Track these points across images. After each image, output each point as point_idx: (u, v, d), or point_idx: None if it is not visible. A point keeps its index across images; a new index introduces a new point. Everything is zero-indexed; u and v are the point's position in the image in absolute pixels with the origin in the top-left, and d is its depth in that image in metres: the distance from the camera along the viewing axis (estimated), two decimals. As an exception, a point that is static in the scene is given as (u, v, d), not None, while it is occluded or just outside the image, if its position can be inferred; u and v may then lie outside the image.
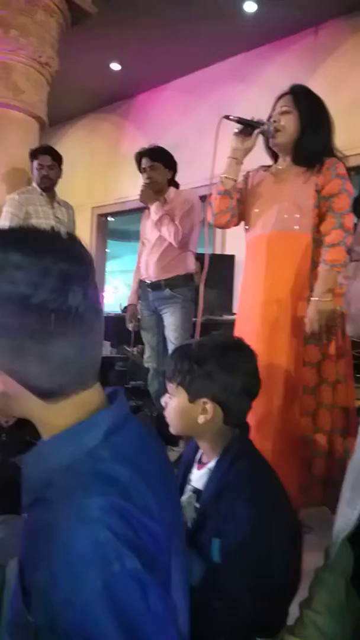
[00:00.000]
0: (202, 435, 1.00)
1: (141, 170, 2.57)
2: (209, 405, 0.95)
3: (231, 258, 3.94)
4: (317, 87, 3.52)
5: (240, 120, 1.66)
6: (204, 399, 0.95)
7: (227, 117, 1.66)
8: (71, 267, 0.52)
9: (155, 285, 2.56)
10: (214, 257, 3.98)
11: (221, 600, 0.82)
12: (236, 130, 1.68)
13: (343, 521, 0.74)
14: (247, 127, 1.66)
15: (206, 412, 0.95)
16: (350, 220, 1.54)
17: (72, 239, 0.55)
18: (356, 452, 0.81)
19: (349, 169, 3.19)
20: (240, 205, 1.76)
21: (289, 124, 1.65)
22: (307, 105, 1.66)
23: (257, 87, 3.75)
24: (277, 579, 0.85)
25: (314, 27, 3.72)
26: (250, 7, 3.60)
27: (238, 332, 1.71)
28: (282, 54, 3.86)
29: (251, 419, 1.59)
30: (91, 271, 0.55)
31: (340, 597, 0.75)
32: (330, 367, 1.60)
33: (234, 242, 3.52)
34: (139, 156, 2.57)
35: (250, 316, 1.68)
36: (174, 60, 4.27)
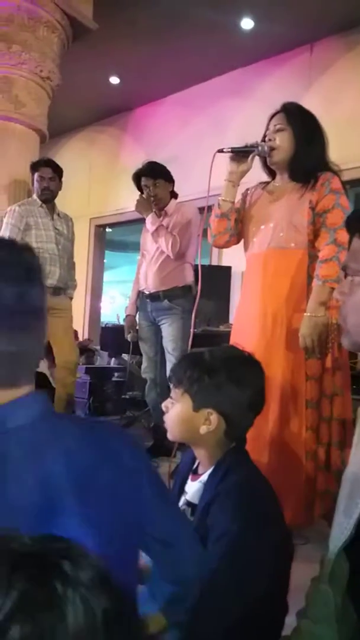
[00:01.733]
0: (200, 445, 1.00)
1: (141, 188, 2.60)
2: (213, 416, 0.95)
3: (228, 269, 3.98)
4: (313, 102, 3.59)
5: (234, 151, 1.70)
6: (209, 410, 0.95)
7: (220, 150, 1.69)
8: (5, 270, 0.56)
9: (154, 297, 2.58)
10: (211, 269, 4.03)
11: (205, 610, 0.82)
12: (232, 154, 1.71)
13: (339, 531, 0.75)
14: (247, 153, 1.70)
15: (209, 422, 0.95)
16: (344, 235, 1.56)
17: (11, 243, 0.60)
18: (351, 463, 0.82)
19: (344, 183, 3.23)
20: (239, 224, 1.79)
21: (284, 142, 1.68)
22: (299, 121, 1.69)
23: (254, 101, 3.81)
24: (263, 591, 0.84)
25: (309, 44, 3.79)
26: (247, 24, 3.68)
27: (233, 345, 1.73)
28: (278, 70, 3.93)
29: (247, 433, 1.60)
30: (32, 273, 0.59)
31: (337, 607, 0.76)
32: (328, 380, 1.62)
33: (231, 253, 3.56)
34: (137, 176, 2.61)
35: (247, 330, 1.70)
36: (172, 74, 4.34)
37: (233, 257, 3.71)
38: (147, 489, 0.65)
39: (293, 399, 1.59)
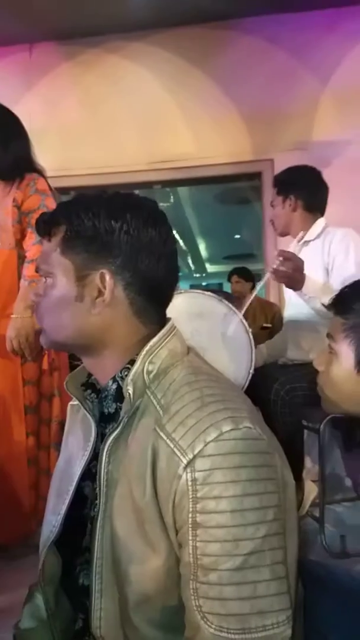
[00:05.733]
0: None
1: None
2: None
3: None
4: (33, 104, 3.56)
5: None
6: None
7: None
8: None
9: None
10: None
11: None
12: None
13: (48, 529, 0.76)
14: None
15: None
16: None
17: None
18: (59, 462, 0.85)
19: (66, 189, 3.31)
20: None
21: None
22: None
23: (-30, 91, 3.55)
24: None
25: (29, 44, 3.76)
26: None
27: None
28: (-4, 63, 3.76)
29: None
30: None
31: (49, 605, 0.77)
32: (46, 382, 1.63)
33: None
34: None
35: None
36: None
37: None
38: None
39: (11, 407, 1.55)
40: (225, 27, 3.43)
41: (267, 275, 1.55)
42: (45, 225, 0.73)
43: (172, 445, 0.61)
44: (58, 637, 0.76)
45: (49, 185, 1.69)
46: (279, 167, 2.46)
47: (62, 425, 1.63)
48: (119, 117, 3.51)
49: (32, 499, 1.57)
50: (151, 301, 0.73)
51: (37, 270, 0.76)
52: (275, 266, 1.47)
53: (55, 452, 1.61)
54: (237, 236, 7.94)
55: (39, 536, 0.80)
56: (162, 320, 0.76)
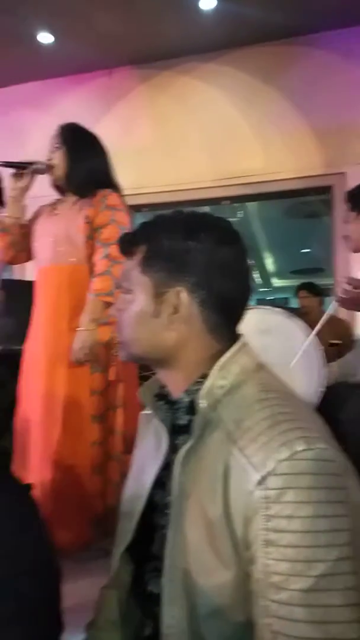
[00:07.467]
0: None
1: None
2: None
3: (31, 284, 3.83)
4: (111, 125, 3.74)
5: (8, 164, 1.71)
6: None
7: None
8: None
9: None
10: (13, 284, 3.82)
11: None
12: (13, 172, 1.71)
13: (122, 535, 0.80)
14: (21, 168, 1.71)
15: None
16: (117, 249, 1.65)
17: None
18: (132, 470, 0.88)
19: (139, 206, 3.43)
20: (30, 239, 1.78)
21: (60, 159, 1.74)
22: (71, 139, 1.76)
23: (53, 116, 3.76)
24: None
25: (109, 69, 3.97)
26: (45, 39, 3.66)
27: (25, 364, 1.70)
28: (78, 89, 4.00)
29: (33, 451, 1.54)
30: None
31: (121, 609, 0.80)
32: (113, 392, 1.67)
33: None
34: None
35: (35, 348, 1.68)
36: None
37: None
38: None
39: (77, 415, 1.60)
40: (296, 43, 3.43)
41: (333, 305, 1.51)
42: (127, 245, 0.77)
43: (244, 462, 0.62)
44: (128, 639, 0.79)
45: (122, 201, 1.75)
46: (352, 180, 2.40)
47: (124, 436, 1.66)
48: (190, 136, 3.60)
49: (97, 508, 1.61)
50: (224, 318, 0.75)
51: (118, 287, 0.81)
52: (340, 294, 1.44)
53: (118, 463, 1.63)
54: (305, 250, 7.78)
55: (108, 543, 0.82)
56: (234, 337, 0.77)
